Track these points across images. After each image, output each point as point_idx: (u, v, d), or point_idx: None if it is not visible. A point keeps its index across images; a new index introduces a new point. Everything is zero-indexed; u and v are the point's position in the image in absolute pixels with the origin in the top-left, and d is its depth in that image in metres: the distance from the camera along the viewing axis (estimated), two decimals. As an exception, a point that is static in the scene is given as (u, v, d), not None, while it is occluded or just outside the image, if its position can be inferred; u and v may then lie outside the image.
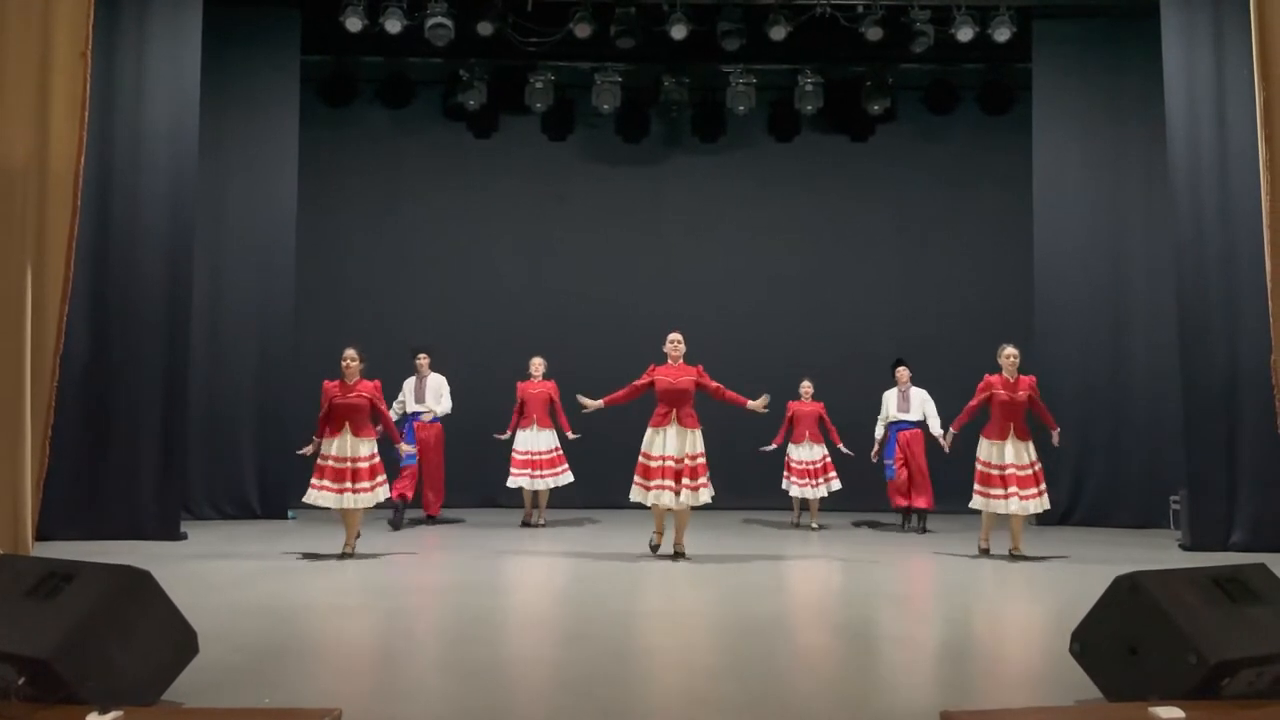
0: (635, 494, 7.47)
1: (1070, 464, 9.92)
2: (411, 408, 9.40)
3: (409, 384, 9.47)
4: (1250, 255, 8.14)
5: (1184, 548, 8.42)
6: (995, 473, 7.57)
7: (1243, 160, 8.26)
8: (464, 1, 10.00)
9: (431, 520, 9.44)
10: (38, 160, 7.11)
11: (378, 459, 7.51)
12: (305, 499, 7.40)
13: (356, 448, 7.36)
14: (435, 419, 9.39)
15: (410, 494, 9.14)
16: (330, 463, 7.32)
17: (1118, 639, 3.59)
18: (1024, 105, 10.74)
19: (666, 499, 7.30)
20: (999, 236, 11.31)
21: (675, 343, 7.59)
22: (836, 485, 9.53)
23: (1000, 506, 7.52)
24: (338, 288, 11.17)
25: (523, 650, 4.81)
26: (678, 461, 7.33)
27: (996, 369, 7.78)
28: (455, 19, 9.92)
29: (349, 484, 7.30)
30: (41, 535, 7.44)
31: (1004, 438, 7.59)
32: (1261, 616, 3.48)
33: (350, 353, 7.47)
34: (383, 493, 7.53)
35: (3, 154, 6.97)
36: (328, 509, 7.46)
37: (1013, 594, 6.53)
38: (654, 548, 7.52)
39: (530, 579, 6.97)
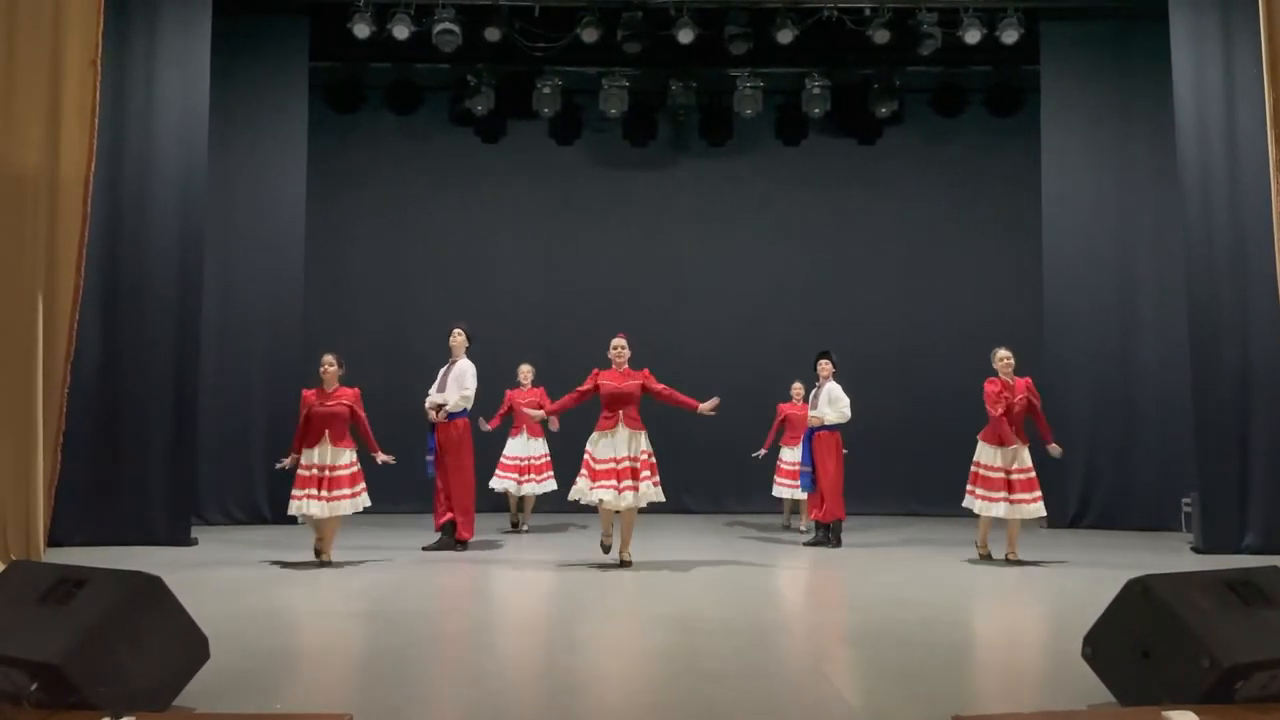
0: (575, 492, 7.37)
1: (1081, 467, 9.88)
2: (433, 399, 8.09)
3: (441, 372, 8.28)
4: (1261, 257, 8.11)
5: (1196, 551, 8.38)
6: (993, 475, 7.50)
7: (1253, 162, 8.24)
8: (471, 7, 10.03)
9: (462, 545, 8.06)
10: (48, 168, 7.15)
11: (358, 467, 7.33)
12: (290, 510, 7.27)
13: (337, 456, 7.21)
14: (450, 416, 8.01)
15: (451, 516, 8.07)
16: (311, 472, 7.16)
17: (1130, 643, 3.58)
18: (1032, 107, 10.73)
19: (609, 498, 7.20)
20: (1007, 239, 11.29)
21: (619, 349, 7.49)
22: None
23: (995, 510, 7.48)
24: (346, 293, 11.20)
25: (529, 655, 4.81)
26: (618, 461, 7.25)
27: (989, 372, 7.72)
28: (462, 25, 9.95)
29: (324, 491, 7.12)
30: (53, 541, 7.48)
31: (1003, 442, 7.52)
32: (1274, 619, 3.45)
33: (329, 358, 7.35)
34: (364, 500, 7.31)
35: (14, 161, 7.02)
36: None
37: (1023, 598, 6.50)
38: (606, 548, 7.44)
39: (532, 584, 6.96)
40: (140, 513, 8.30)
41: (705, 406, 7.29)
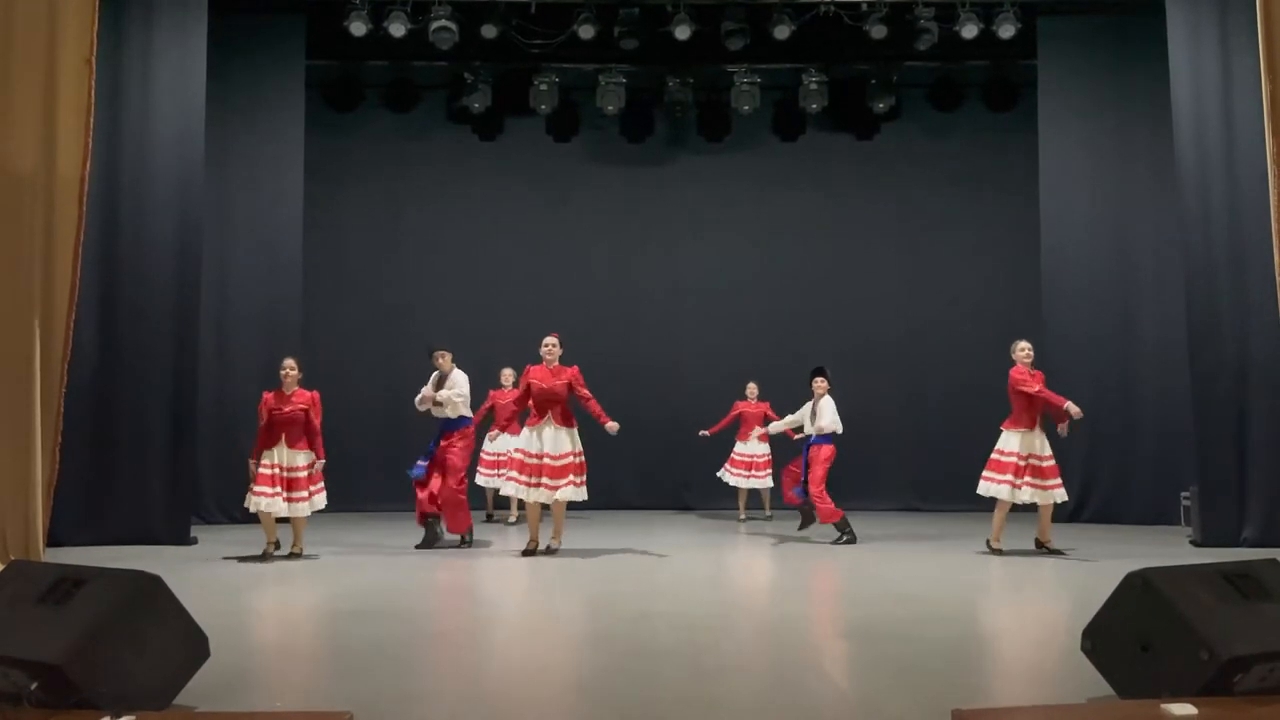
0: (510, 488, 7.78)
1: (1080, 460, 9.88)
2: (425, 393, 8.18)
3: (433, 378, 8.35)
4: (1259, 250, 8.11)
5: (1195, 544, 8.39)
6: (1014, 461, 7.61)
7: (1250, 155, 8.24)
8: (468, 5, 10.01)
9: (463, 542, 8.21)
10: (44, 168, 7.13)
11: (316, 469, 7.50)
12: (248, 505, 7.40)
13: (293, 458, 7.39)
14: (464, 421, 8.16)
15: (433, 509, 8.07)
16: (272, 471, 7.32)
17: (1129, 636, 3.58)
18: (1029, 102, 10.72)
19: (542, 496, 7.50)
20: (1005, 234, 11.28)
21: (549, 347, 7.68)
22: (769, 483, 10.03)
23: (1021, 495, 7.56)
24: (344, 292, 11.19)
25: (529, 653, 4.81)
26: (540, 458, 7.49)
27: (1010, 364, 7.77)
28: (459, 22, 9.93)
29: (284, 491, 7.31)
30: (52, 541, 7.47)
31: (1031, 427, 7.65)
32: (1273, 612, 3.46)
33: (289, 362, 7.51)
34: (321, 500, 7.50)
35: (10, 161, 7.00)
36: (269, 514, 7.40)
37: (1022, 592, 6.51)
38: (529, 552, 7.61)
39: (530, 581, 6.95)
40: (139, 512, 8.30)
41: (610, 426, 7.54)
